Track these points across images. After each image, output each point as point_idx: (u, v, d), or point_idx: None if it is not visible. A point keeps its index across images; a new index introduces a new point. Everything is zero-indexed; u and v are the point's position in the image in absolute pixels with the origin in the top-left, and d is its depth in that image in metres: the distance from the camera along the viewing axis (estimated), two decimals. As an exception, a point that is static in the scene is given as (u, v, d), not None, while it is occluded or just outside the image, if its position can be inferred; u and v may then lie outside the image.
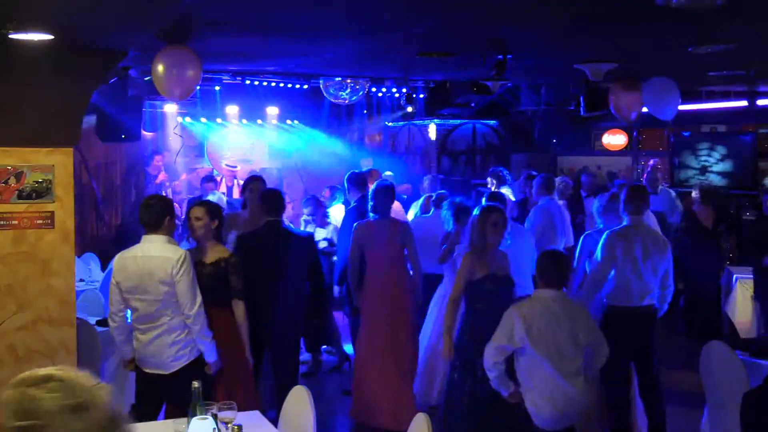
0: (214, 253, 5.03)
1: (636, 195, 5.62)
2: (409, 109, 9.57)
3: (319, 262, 6.12)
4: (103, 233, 10.99)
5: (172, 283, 4.53)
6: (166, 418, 4.72)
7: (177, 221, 5.39)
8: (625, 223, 5.58)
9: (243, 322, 5.07)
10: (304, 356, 8.07)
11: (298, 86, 9.95)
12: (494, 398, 4.74)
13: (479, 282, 5.10)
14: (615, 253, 5.43)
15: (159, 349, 4.63)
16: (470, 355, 5.06)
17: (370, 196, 6.42)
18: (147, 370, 4.74)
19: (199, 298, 4.59)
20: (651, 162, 12.69)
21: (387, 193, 6.31)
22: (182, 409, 4.46)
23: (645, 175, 11.15)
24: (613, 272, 5.46)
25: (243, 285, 5.06)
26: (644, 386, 5.57)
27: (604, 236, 5.57)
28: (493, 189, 9.07)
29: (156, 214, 4.63)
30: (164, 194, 10.43)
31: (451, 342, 5.17)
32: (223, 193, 11.17)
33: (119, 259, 4.73)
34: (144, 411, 4.77)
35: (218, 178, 12.01)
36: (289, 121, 13.59)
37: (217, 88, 10.12)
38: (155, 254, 4.57)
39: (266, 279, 5.61)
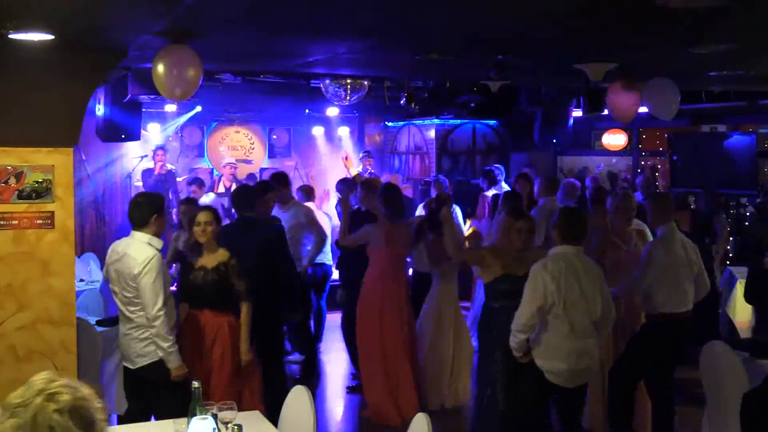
0: (216, 258, 5.05)
1: (662, 203, 5.65)
2: (414, 109, 9.58)
3: (286, 252, 6.13)
4: (103, 233, 10.99)
5: (136, 283, 4.58)
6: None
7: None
8: (660, 233, 5.57)
9: (246, 324, 5.07)
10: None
11: (298, 86, 9.94)
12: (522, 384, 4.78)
13: (495, 282, 5.14)
14: (657, 262, 5.42)
15: (128, 343, 4.72)
16: (490, 351, 5.08)
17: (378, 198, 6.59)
18: (123, 363, 4.86)
19: (160, 302, 4.56)
20: (649, 163, 12.70)
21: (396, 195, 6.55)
22: (146, 409, 4.65)
23: (640, 177, 11.14)
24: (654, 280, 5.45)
25: (246, 287, 5.07)
26: (660, 387, 5.57)
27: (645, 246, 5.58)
28: (486, 190, 9.15)
29: (144, 213, 4.70)
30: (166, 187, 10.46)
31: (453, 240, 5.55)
32: (222, 194, 11.14)
33: (110, 248, 4.87)
34: (131, 408, 4.84)
35: (215, 179, 12.01)
36: (288, 121, 13.61)
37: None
38: (129, 252, 4.64)
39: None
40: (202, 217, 5.08)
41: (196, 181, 9.94)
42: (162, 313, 4.55)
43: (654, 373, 5.56)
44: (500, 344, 4.93)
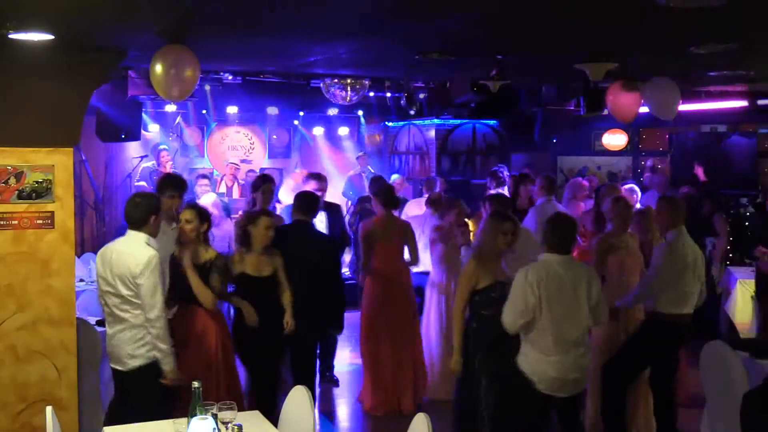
0: (204, 256, 5.09)
1: (674, 207, 5.65)
2: (412, 112, 9.59)
3: (340, 269, 6.15)
4: (103, 233, 10.98)
5: (135, 283, 4.50)
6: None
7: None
8: (670, 236, 5.55)
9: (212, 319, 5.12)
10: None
11: (298, 86, 9.93)
12: (507, 395, 4.77)
13: (485, 290, 5.07)
14: (668, 265, 5.43)
15: (119, 344, 4.63)
16: (475, 360, 5.07)
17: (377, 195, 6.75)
18: (111, 365, 4.79)
19: (160, 304, 4.53)
20: (648, 162, 12.68)
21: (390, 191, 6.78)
22: (139, 409, 4.49)
23: (647, 175, 11.12)
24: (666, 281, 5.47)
25: (222, 287, 5.10)
26: (665, 386, 5.59)
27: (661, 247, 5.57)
28: (492, 190, 9.14)
29: (141, 213, 4.64)
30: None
31: (459, 357, 5.12)
32: (222, 194, 11.13)
33: (101, 251, 4.76)
34: (118, 407, 4.87)
35: (217, 179, 12.01)
36: (288, 121, 13.62)
37: (207, 88, 10.03)
38: (127, 251, 4.56)
39: (291, 277, 5.62)
40: (183, 215, 5.14)
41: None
42: (162, 313, 4.52)
43: (658, 372, 5.58)
44: (486, 356, 4.95)
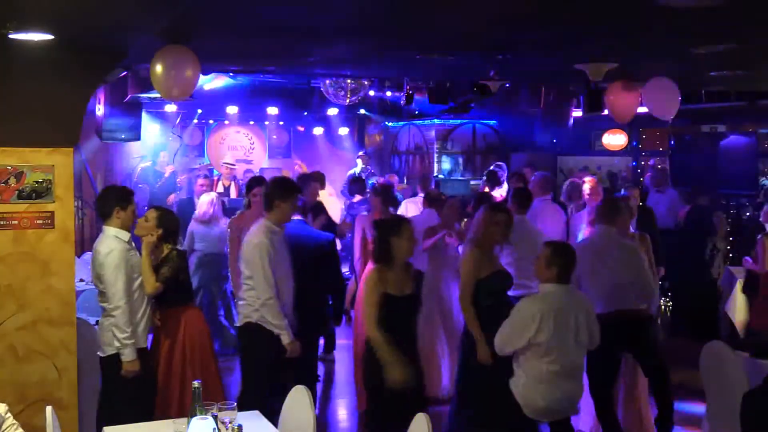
0: (162, 253, 5.12)
1: (611, 207, 5.72)
2: (415, 112, 9.61)
3: (339, 266, 6.16)
4: (103, 233, 10.97)
5: (99, 275, 4.79)
6: None
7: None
8: (594, 231, 5.68)
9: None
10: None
11: (298, 86, 9.95)
12: (499, 391, 4.76)
13: (486, 279, 5.07)
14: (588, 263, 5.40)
15: (100, 332, 4.90)
16: (472, 350, 5.06)
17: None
18: (97, 353, 5.01)
19: (118, 295, 4.72)
20: (650, 161, 12.69)
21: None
22: (107, 395, 4.90)
23: (648, 174, 11.12)
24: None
25: (169, 275, 5.00)
26: (651, 376, 5.61)
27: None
28: (486, 190, 9.17)
29: (107, 205, 4.89)
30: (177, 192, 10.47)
31: (486, 347, 4.93)
32: (220, 193, 11.12)
33: None
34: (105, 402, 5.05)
35: (215, 178, 12.01)
36: (288, 121, 13.62)
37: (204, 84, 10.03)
38: (97, 247, 4.86)
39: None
40: (147, 212, 5.22)
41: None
42: (122, 303, 4.72)
43: (642, 363, 5.61)
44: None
